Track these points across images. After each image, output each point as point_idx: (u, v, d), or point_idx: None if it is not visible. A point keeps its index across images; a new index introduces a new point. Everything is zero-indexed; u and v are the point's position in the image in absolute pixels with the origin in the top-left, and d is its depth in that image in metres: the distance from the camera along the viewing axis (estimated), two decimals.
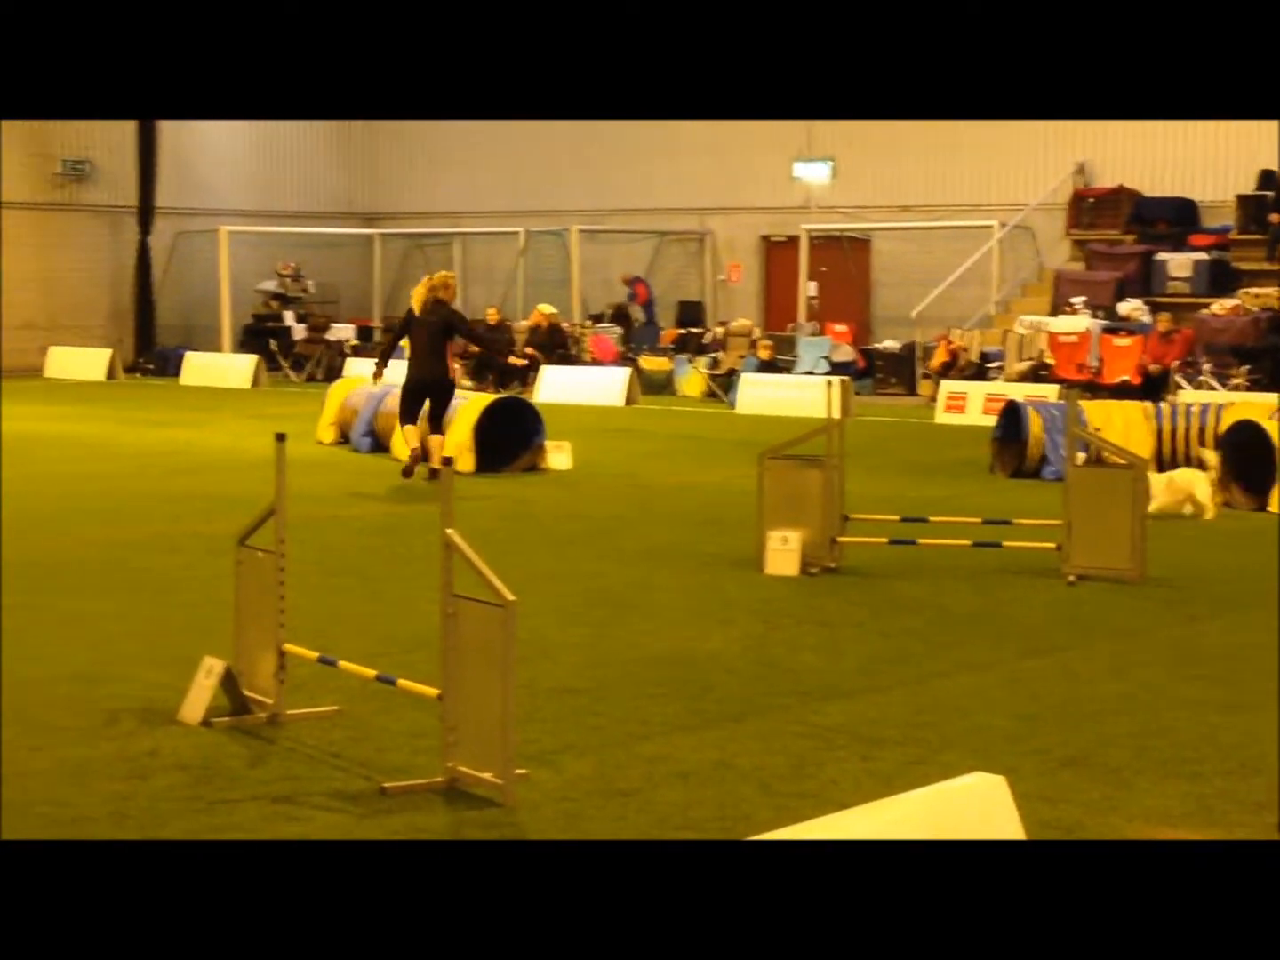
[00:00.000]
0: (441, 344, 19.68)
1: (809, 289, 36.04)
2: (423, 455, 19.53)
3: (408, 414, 19.82)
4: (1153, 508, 16.03)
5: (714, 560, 14.66)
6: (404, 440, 19.78)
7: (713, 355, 34.42)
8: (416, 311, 19.71)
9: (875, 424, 27.18)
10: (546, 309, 34.77)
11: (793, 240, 36.82)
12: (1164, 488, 17.27)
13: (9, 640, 11.39)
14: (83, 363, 37.53)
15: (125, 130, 39.87)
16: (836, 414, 14.36)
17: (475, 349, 27.10)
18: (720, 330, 35.59)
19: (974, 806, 5.48)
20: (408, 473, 19.32)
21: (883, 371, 33.98)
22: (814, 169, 37.53)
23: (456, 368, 20.90)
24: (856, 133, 36.16)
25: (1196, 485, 17.47)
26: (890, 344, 34.45)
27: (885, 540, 14.62)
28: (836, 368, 32.18)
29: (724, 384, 32.53)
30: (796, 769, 8.67)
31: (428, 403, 19.80)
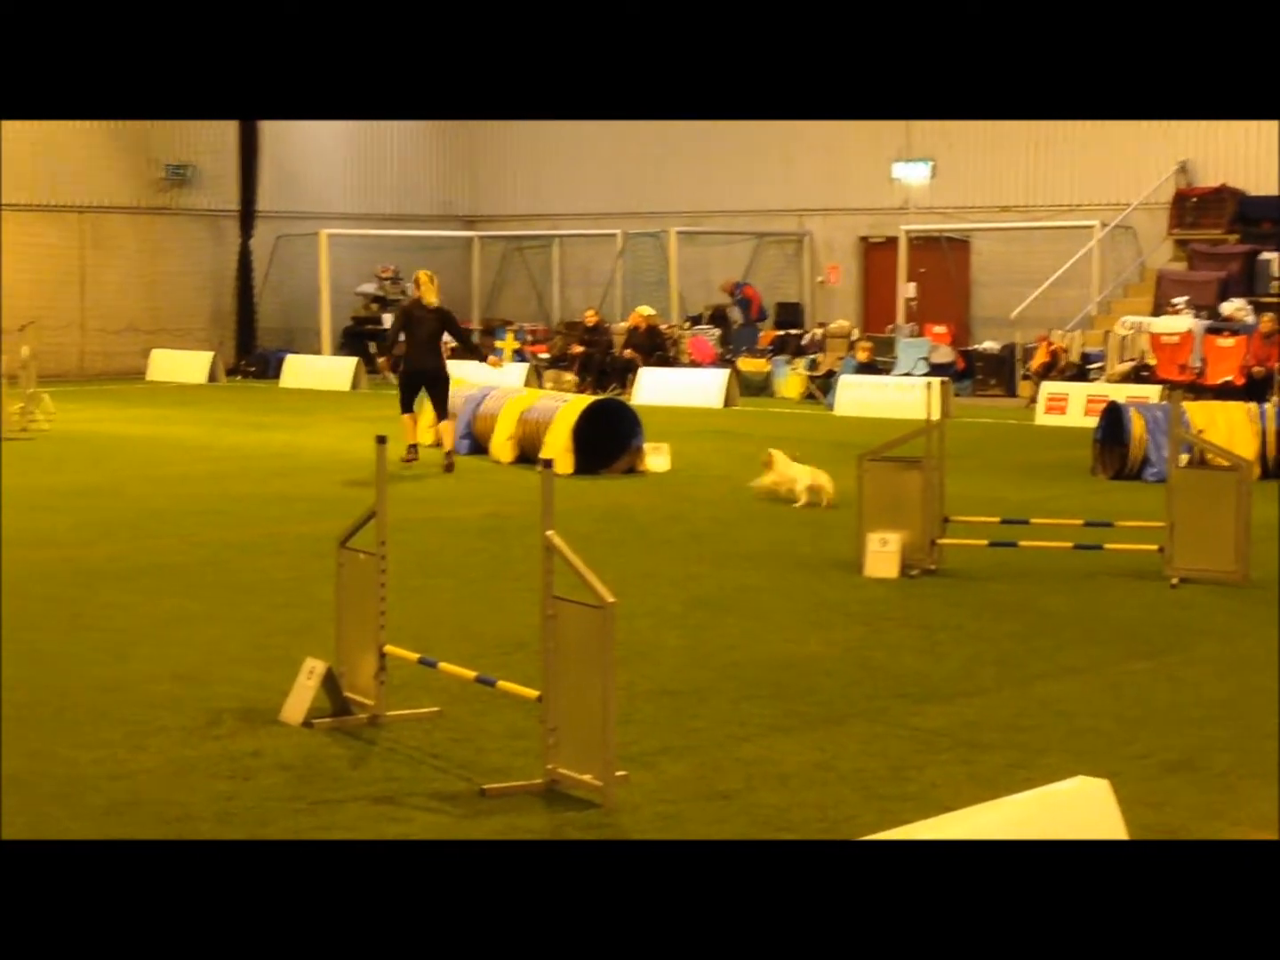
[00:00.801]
0: (438, 338, 21.50)
1: (908, 290, 35.89)
2: (436, 442, 21.46)
3: (406, 404, 21.53)
4: (758, 485, 18.63)
5: (813, 562, 14.63)
6: (404, 430, 21.35)
7: (811, 357, 34.33)
8: (428, 302, 21.30)
9: (975, 425, 27.04)
10: (645, 310, 34.78)
11: (891, 241, 36.68)
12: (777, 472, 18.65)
13: (115, 640, 11.50)
14: (184, 365, 37.82)
15: (227, 134, 40.18)
16: (936, 415, 14.30)
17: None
18: (819, 332, 35.51)
19: (1077, 811, 5.45)
20: (411, 459, 21.15)
21: (982, 373, 33.79)
22: (913, 169, 37.38)
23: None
24: (956, 133, 36.00)
25: (805, 477, 18.36)
26: (990, 345, 34.26)
27: (985, 542, 14.54)
28: (935, 369, 32.04)
29: (823, 385, 32.45)
30: (897, 772, 8.64)
31: (424, 392, 21.41)
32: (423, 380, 21.33)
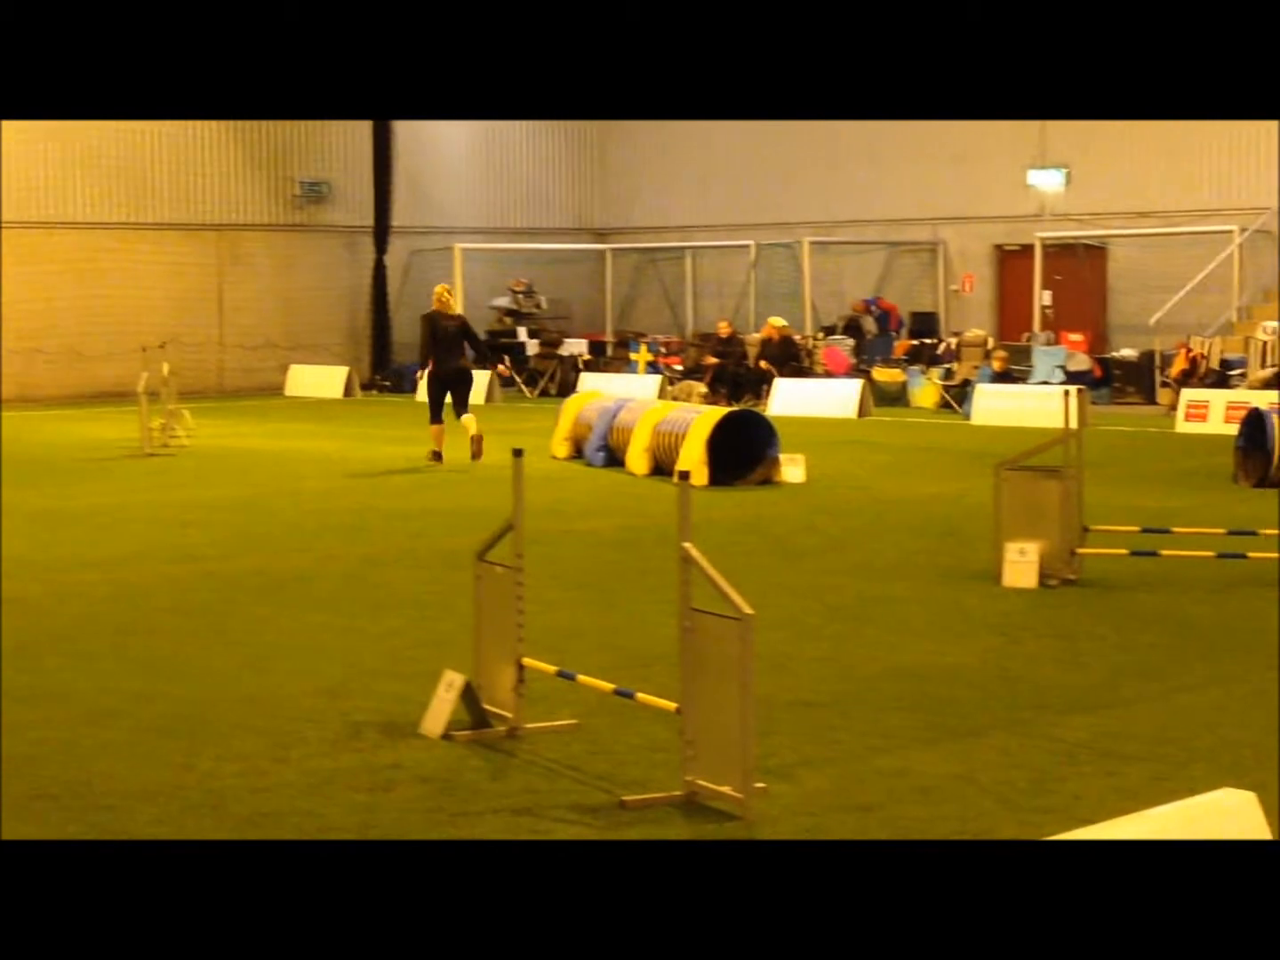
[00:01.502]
0: (460, 344, 23.49)
1: (1043, 298, 35.62)
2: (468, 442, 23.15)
3: (436, 414, 23.44)
4: None
5: (951, 573, 14.54)
6: (433, 438, 23.41)
7: (946, 366, 34.14)
8: (450, 311, 23.63)
9: (1113, 433, 26.77)
10: (778, 322, 34.70)
11: (1027, 249, 36.42)
12: None
13: (257, 653, 11.60)
14: (321, 380, 38.15)
15: (361, 151, 40.52)
16: (1074, 424, 14.16)
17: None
18: (954, 341, 35.30)
19: (1224, 822, 5.37)
20: (437, 458, 23.30)
21: (1120, 380, 33.46)
22: (1048, 176, 37.09)
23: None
24: (1091, 139, 35.69)
25: None
26: (1128, 352, 33.92)
27: (1126, 552, 14.38)
28: (1072, 377, 31.75)
29: (958, 395, 32.25)
30: (1038, 784, 8.55)
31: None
32: (449, 382, 23.37)
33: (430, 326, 23.48)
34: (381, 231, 40.85)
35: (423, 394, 24.96)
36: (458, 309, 24.00)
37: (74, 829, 7.87)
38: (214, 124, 38.69)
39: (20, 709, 10.09)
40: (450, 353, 23.40)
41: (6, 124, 35.58)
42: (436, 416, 23.44)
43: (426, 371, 23.62)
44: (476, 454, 22.97)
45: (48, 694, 10.48)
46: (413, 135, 41.20)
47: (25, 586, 14.24)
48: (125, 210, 37.81)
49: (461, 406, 23.46)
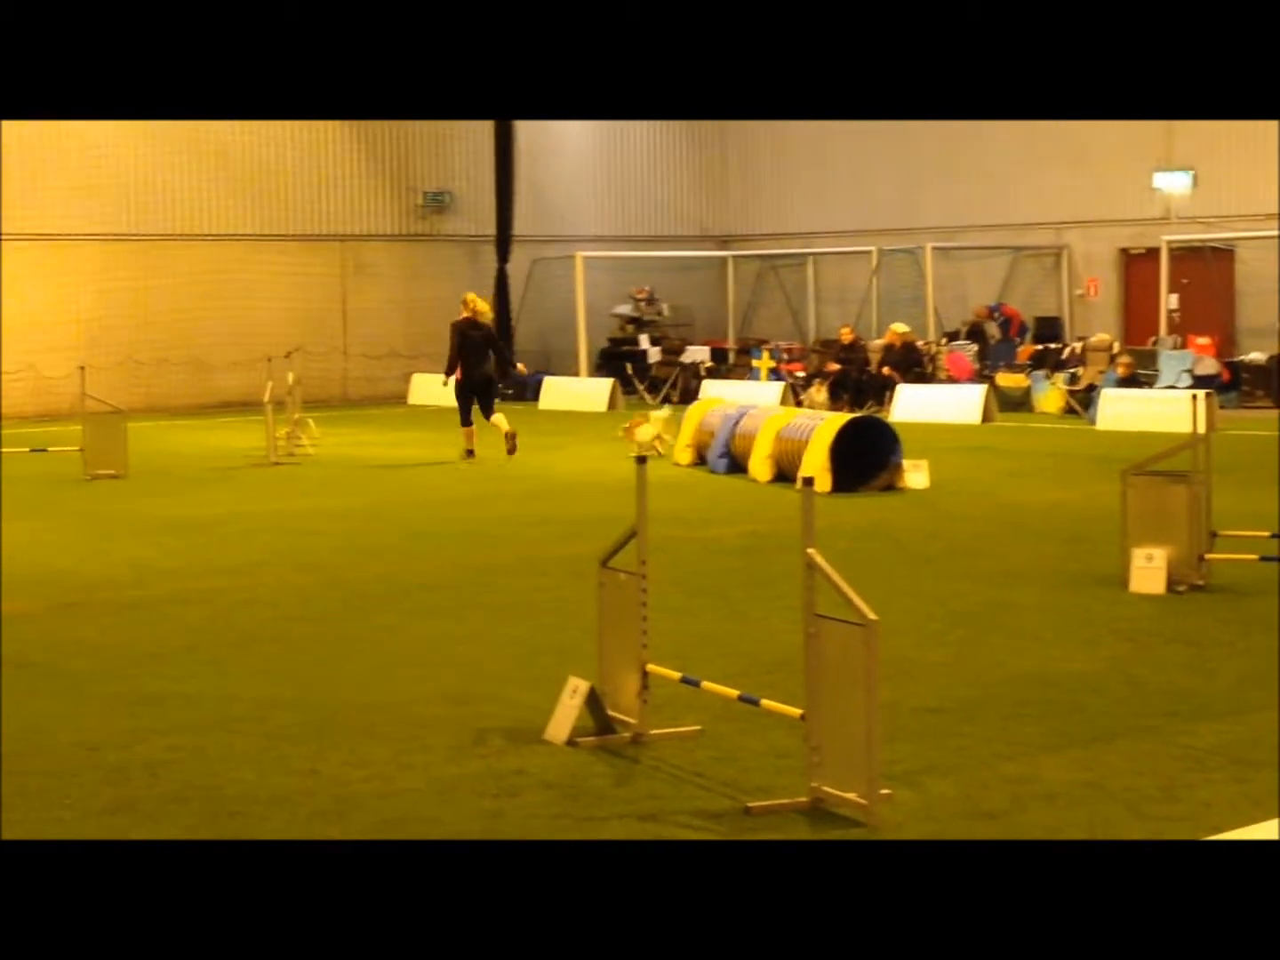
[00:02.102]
0: (486, 351, 25.03)
1: (1170, 301, 35.27)
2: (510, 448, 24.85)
3: (465, 417, 25.07)
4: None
5: (1077, 579, 14.42)
6: (465, 439, 25.08)
7: (1071, 371, 33.87)
8: (480, 320, 25.08)
9: (1242, 438, 26.46)
10: (900, 328, 34.56)
11: (1152, 253, 36.10)
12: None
13: (382, 661, 11.68)
14: (444, 390, 38.25)
15: (484, 161, 40.72)
16: (1202, 428, 14.01)
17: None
18: (1078, 346, 35.02)
19: None
20: (470, 456, 24.93)
21: (1249, 384, 33.09)
22: (1174, 179, 36.74)
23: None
24: (1218, 140, 35.32)
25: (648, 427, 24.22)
26: (1256, 356, 33.53)
27: (1255, 557, 14.22)
28: (1199, 381, 31.41)
29: (1083, 400, 32.00)
30: (1167, 791, 8.46)
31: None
32: (476, 388, 25.09)
33: (460, 336, 24.95)
34: (504, 240, 41.02)
35: (449, 400, 26.07)
36: (489, 317, 25.78)
37: (205, 833, 7.94)
38: (340, 136, 39.03)
39: (151, 715, 10.21)
40: (478, 361, 24.99)
41: (141, 138, 36.03)
42: (466, 419, 25.11)
43: (454, 379, 25.18)
44: (512, 449, 24.75)
45: (178, 700, 10.59)
46: (535, 144, 41.37)
47: (154, 594, 14.40)
48: (252, 222, 38.20)
49: (488, 411, 25.11)
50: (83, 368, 26.32)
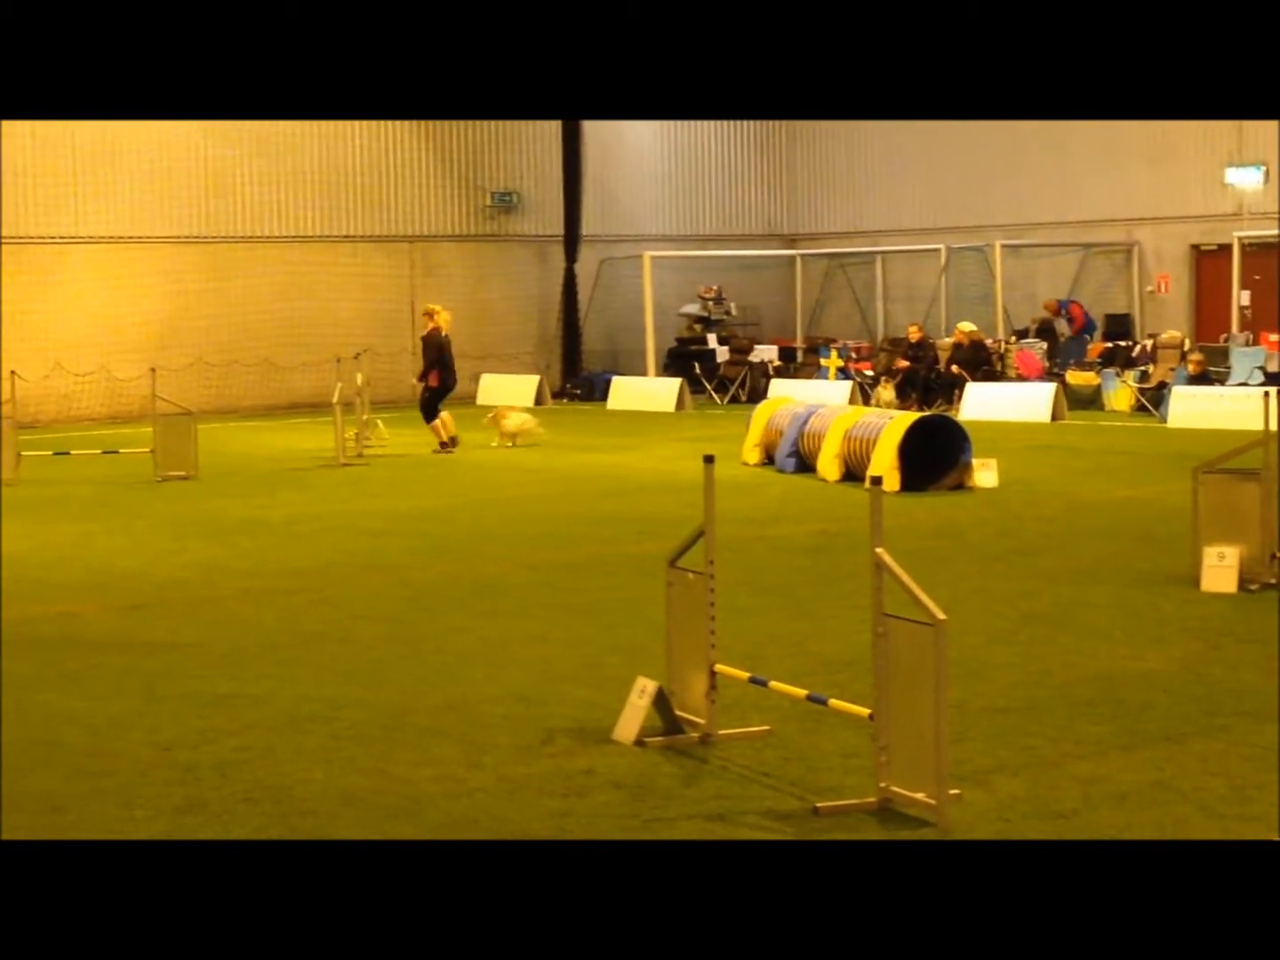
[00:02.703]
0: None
1: (1242, 298, 35.02)
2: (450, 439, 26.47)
3: (434, 414, 26.61)
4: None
5: (1147, 577, 14.34)
6: (438, 430, 26.53)
7: (1141, 368, 33.67)
8: (447, 330, 26.65)
9: None
10: (967, 326, 34.42)
11: (1224, 249, 35.84)
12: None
13: (451, 661, 11.71)
14: (512, 389, 38.38)
15: (552, 162, 40.76)
16: (1274, 426, 13.91)
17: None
18: (1149, 343, 34.81)
19: None
20: (451, 447, 26.41)
21: None
22: (1246, 174, 36.47)
23: None
24: None
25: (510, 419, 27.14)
26: None
27: None
28: (1271, 378, 31.18)
29: (1154, 397, 31.81)
30: (1238, 791, 8.41)
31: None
32: (449, 391, 26.98)
33: (444, 345, 26.65)
34: (572, 240, 41.05)
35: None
36: (449, 327, 27.06)
37: (275, 832, 7.99)
38: (408, 137, 39.15)
39: (222, 715, 10.26)
40: (454, 367, 27.11)
41: (212, 140, 36.24)
42: (434, 415, 26.69)
43: (428, 384, 26.60)
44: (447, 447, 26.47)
45: (248, 700, 10.65)
46: (602, 144, 41.40)
47: (225, 595, 14.48)
48: (322, 223, 38.35)
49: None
50: (154, 370, 26.49)
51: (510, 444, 27.20)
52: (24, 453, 24.04)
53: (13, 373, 25.66)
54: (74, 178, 35.32)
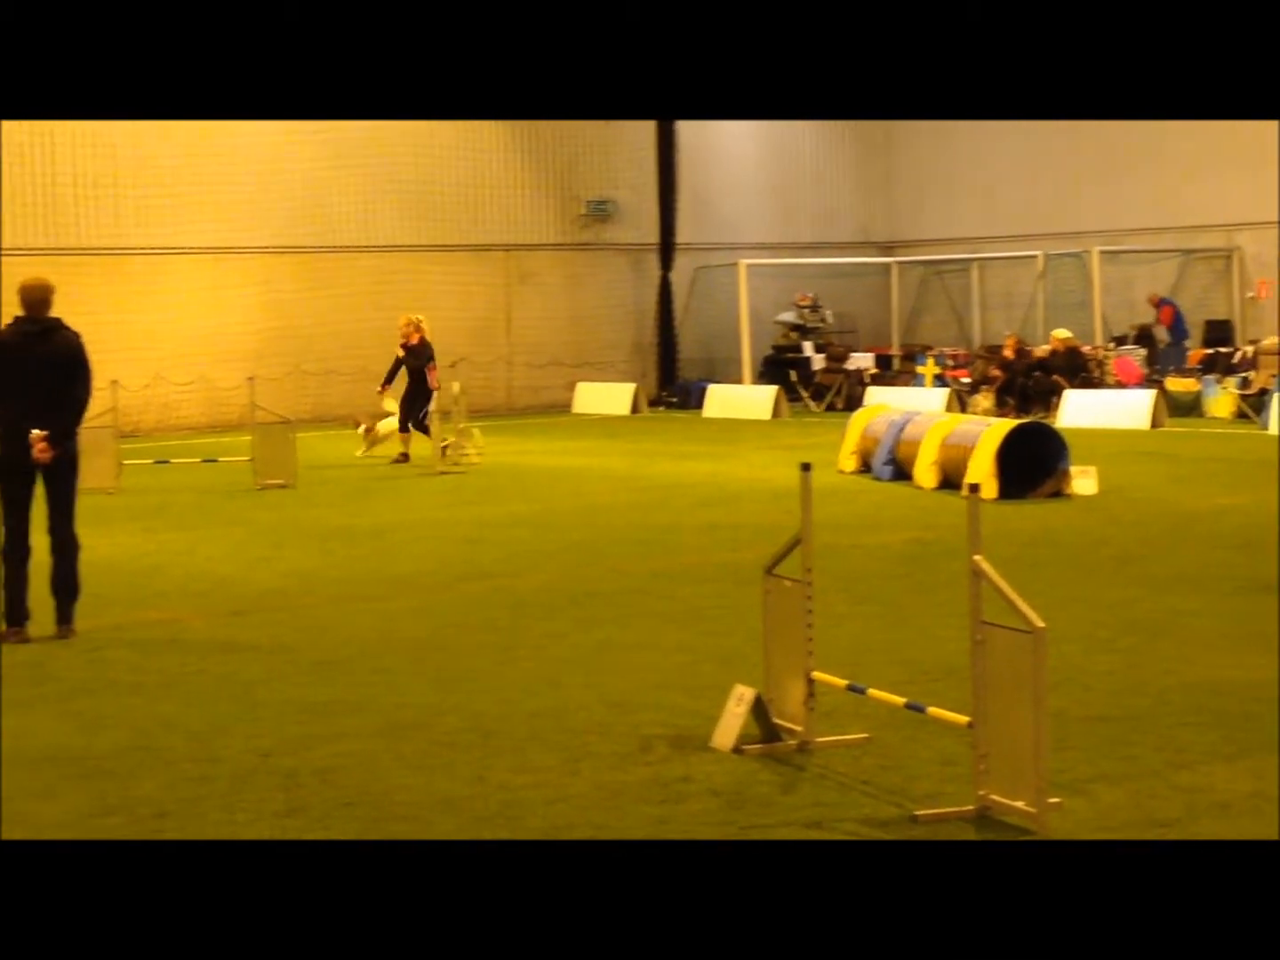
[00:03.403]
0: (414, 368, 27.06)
1: None
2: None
3: (406, 422, 26.99)
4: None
5: (1249, 585, 14.21)
6: (408, 442, 26.84)
7: (1243, 375, 33.37)
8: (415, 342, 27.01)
9: None
10: (1062, 333, 34.22)
11: None
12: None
13: (548, 668, 11.72)
14: (608, 397, 38.47)
15: (646, 170, 40.81)
16: None
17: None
18: (1250, 349, 34.49)
19: None
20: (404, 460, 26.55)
21: None
22: None
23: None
24: None
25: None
26: None
27: None
28: None
29: (1255, 404, 31.51)
30: None
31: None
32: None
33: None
34: (667, 248, 41.08)
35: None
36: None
37: (373, 838, 8.01)
38: (503, 146, 39.28)
39: (321, 722, 10.32)
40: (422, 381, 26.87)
41: (309, 151, 36.49)
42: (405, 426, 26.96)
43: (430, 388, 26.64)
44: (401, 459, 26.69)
45: (347, 707, 10.70)
46: (697, 152, 41.41)
47: (323, 603, 14.57)
48: (417, 232, 38.54)
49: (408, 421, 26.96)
50: (252, 379, 26.69)
51: (371, 451, 27.50)
52: (125, 461, 24.28)
53: (114, 382, 25.90)
54: (174, 190, 35.64)
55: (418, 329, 27.15)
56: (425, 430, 26.26)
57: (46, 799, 8.80)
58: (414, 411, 26.76)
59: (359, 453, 27.56)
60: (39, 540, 13.14)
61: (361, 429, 28.05)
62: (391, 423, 27.47)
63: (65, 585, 13.16)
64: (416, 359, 26.95)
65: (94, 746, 9.85)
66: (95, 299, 33.82)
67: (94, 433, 23.21)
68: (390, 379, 27.26)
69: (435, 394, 26.52)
